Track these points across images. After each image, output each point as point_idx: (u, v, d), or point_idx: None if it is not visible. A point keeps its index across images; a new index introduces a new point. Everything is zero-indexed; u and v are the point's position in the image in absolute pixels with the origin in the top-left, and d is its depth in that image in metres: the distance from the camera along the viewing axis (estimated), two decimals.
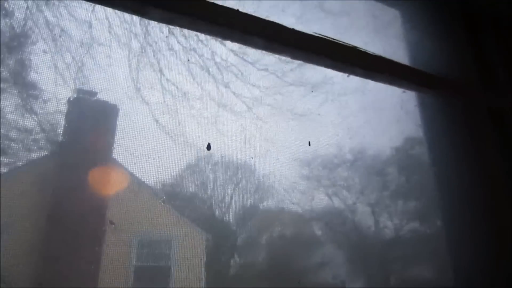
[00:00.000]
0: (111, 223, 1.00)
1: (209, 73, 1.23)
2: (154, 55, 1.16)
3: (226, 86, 1.25)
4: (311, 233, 1.37)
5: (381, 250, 1.52)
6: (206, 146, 1.17)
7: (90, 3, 1.11)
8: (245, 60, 1.32)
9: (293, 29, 1.44)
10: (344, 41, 1.58)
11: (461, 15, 2.10)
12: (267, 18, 1.38)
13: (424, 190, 1.73)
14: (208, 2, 1.24)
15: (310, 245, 1.34)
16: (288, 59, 1.46)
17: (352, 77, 1.62)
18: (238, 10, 1.31)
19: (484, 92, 1.97)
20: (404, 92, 1.82)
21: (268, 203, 1.26)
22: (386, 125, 1.71)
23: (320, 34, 1.52)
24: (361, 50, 1.63)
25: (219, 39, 1.31)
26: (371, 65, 1.65)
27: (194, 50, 1.22)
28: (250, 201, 1.25)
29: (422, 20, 2.01)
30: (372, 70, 1.65)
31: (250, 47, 1.37)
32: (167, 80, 1.15)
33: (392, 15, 2.00)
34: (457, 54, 2.00)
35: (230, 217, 1.21)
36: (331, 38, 1.55)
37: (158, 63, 1.16)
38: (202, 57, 1.23)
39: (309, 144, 1.40)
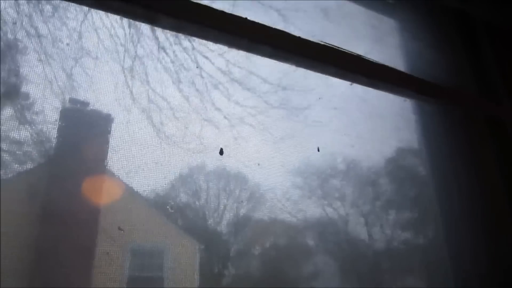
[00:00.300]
0: (120, 229, 1.01)
1: (195, 86, 1.22)
2: (148, 66, 1.16)
3: (212, 96, 1.25)
4: (304, 243, 1.37)
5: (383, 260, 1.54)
6: (218, 151, 1.19)
7: (82, 13, 1.10)
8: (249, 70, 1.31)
9: (299, 37, 1.43)
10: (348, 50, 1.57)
11: (458, 25, 2.09)
12: (274, 26, 1.36)
13: (422, 199, 1.74)
14: (217, 10, 1.23)
15: (303, 255, 1.34)
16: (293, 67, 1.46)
17: (354, 85, 1.61)
18: (246, 18, 1.29)
19: (482, 101, 1.97)
20: (405, 100, 1.82)
21: (261, 213, 1.26)
22: (386, 134, 1.71)
23: (325, 42, 1.51)
24: (365, 59, 1.62)
25: (226, 47, 1.30)
26: (374, 73, 1.64)
27: (183, 65, 1.21)
28: (243, 210, 1.25)
29: (420, 30, 2.00)
30: (375, 79, 1.64)
31: (257, 55, 1.36)
32: (154, 91, 1.15)
33: (391, 25, 2.00)
34: (455, 64, 2.00)
35: (223, 227, 1.21)
36: (336, 47, 1.54)
37: (148, 75, 1.15)
38: (190, 71, 1.22)
39: (318, 150, 1.42)
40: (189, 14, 1.17)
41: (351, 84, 1.60)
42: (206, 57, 1.26)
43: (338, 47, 1.54)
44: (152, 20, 1.16)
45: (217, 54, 1.29)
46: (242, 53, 1.34)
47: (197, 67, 1.24)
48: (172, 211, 1.12)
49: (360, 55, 1.61)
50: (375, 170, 1.62)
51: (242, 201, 1.25)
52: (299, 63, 1.46)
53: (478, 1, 2.10)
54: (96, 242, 0.99)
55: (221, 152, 1.20)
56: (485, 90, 2.00)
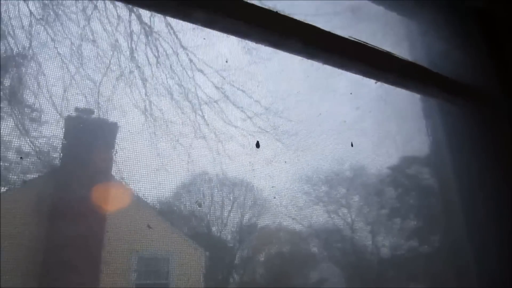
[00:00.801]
0: (149, 227, 1.00)
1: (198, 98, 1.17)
2: (155, 74, 1.11)
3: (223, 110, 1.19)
4: (308, 250, 1.34)
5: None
6: (255, 144, 1.18)
7: (83, 19, 1.05)
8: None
9: (329, 32, 1.35)
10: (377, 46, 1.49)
11: (482, 25, 1.99)
12: (305, 21, 1.28)
13: (446, 201, 1.70)
14: (247, 3, 1.15)
15: (308, 262, 1.32)
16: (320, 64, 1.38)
17: (379, 84, 1.53)
18: (277, 12, 1.21)
19: (506, 103, 1.90)
20: (428, 100, 1.76)
21: (266, 219, 1.23)
22: (409, 135, 1.67)
23: (355, 38, 1.43)
24: (394, 55, 1.54)
25: (253, 42, 1.22)
26: (402, 70, 1.58)
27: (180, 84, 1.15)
28: (247, 217, 1.22)
29: (443, 31, 1.91)
30: (403, 76, 1.59)
31: (285, 52, 1.29)
32: (151, 103, 1.10)
33: (415, 24, 1.91)
34: (480, 65, 1.91)
35: (228, 234, 1.19)
36: (365, 43, 1.46)
37: (153, 83, 1.11)
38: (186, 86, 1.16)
39: (352, 145, 1.38)
40: (222, 7, 1.10)
41: (376, 83, 1.52)
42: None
43: (368, 43, 1.46)
44: (185, 14, 1.09)
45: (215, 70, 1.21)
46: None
47: (226, 62, 1.18)
48: (201, 208, 1.11)
49: (390, 52, 1.53)
50: (396, 172, 1.57)
51: (246, 208, 1.21)
52: (326, 60, 1.38)
53: (502, 1, 2.00)
54: (102, 250, 0.96)
55: (258, 145, 1.18)
56: (509, 91, 1.92)
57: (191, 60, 1.16)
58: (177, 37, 1.14)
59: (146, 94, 1.08)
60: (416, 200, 1.63)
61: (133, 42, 1.10)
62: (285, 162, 1.24)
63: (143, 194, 1.03)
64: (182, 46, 1.14)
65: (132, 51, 1.09)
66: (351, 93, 1.46)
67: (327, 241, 1.36)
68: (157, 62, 1.12)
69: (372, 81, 1.52)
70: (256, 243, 1.24)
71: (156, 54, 1.12)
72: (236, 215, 1.19)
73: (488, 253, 1.58)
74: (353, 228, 1.41)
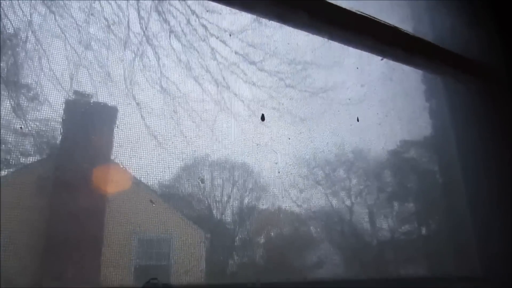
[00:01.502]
0: (152, 202, 1.00)
1: (209, 72, 1.13)
2: (154, 55, 1.08)
3: (227, 87, 1.16)
4: (308, 232, 1.32)
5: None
6: (260, 117, 1.17)
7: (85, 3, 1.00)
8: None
9: (336, 6, 1.30)
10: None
11: (491, 1, 1.95)
12: None
13: (449, 182, 1.68)
14: None
15: (308, 244, 1.31)
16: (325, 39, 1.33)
17: (385, 61, 1.49)
18: None
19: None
20: (433, 78, 1.72)
21: (266, 202, 1.20)
22: (414, 113, 1.63)
23: (362, 12, 1.38)
24: (401, 30, 1.50)
25: (258, 15, 1.17)
26: (409, 46, 1.54)
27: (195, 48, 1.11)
28: (247, 200, 1.20)
29: (453, 6, 1.86)
30: (409, 52, 1.55)
31: (292, 26, 1.25)
32: (167, 79, 1.08)
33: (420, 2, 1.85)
34: (487, 42, 1.87)
35: (228, 216, 1.17)
36: (372, 17, 1.41)
37: (158, 62, 1.08)
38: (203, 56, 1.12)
39: (357, 120, 1.36)
40: None
41: (382, 59, 1.48)
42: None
43: (375, 18, 1.42)
44: None
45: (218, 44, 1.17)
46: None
47: (230, 35, 1.13)
48: (203, 184, 1.10)
49: (397, 27, 1.49)
50: (399, 152, 1.55)
51: (247, 189, 1.19)
52: (332, 36, 1.34)
53: None
54: (103, 232, 0.95)
55: (263, 118, 1.17)
56: None
57: (191, 33, 1.11)
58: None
59: (142, 71, 1.05)
60: (419, 181, 1.60)
61: (140, 15, 1.07)
62: (289, 138, 1.21)
63: (143, 176, 1.01)
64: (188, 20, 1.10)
65: (139, 26, 1.06)
66: (357, 68, 1.41)
67: (327, 224, 1.34)
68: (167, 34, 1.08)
69: (378, 58, 1.48)
70: (257, 224, 1.22)
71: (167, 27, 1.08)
72: (236, 197, 1.18)
73: (490, 234, 1.57)
74: (352, 210, 1.39)
